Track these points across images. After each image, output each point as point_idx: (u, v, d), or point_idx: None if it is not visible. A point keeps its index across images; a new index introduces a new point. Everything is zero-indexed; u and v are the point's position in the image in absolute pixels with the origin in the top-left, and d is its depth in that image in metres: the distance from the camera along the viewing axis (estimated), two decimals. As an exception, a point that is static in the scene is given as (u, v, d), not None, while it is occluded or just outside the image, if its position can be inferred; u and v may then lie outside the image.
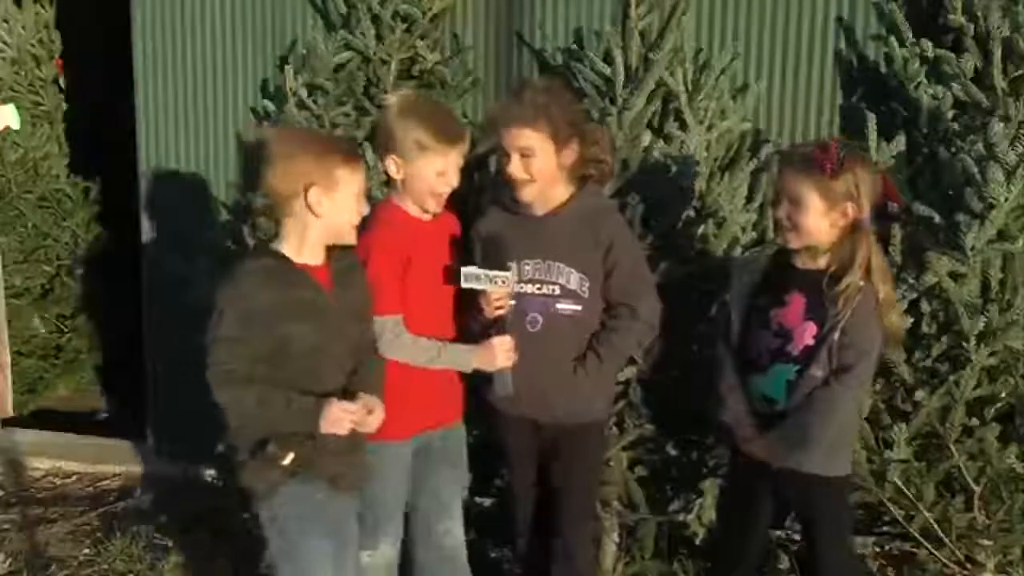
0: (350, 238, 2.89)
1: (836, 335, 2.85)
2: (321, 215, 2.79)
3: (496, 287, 3.00)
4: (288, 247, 2.83)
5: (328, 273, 2.86)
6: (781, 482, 2.99)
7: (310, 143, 2.90)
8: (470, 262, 3.06)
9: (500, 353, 3.06)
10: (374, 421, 2.86)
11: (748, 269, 3.10)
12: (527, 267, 3.10)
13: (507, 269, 3.02)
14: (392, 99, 3.24)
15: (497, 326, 3.06)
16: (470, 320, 3.12)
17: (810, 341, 2.89)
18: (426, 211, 3.13)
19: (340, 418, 2.78)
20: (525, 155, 3.03)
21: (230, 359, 2.74)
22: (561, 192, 3.11)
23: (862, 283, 2.85)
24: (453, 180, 3.10)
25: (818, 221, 2.86)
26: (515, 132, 3.04)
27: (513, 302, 3.06)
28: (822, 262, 2.91)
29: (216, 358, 2.75)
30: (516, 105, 3.09)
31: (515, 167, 3.05)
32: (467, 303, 3.10)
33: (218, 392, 2.76)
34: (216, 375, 2.76)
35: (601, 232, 3.08)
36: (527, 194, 3.09)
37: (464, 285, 3.02)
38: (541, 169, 3.04)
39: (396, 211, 3.11)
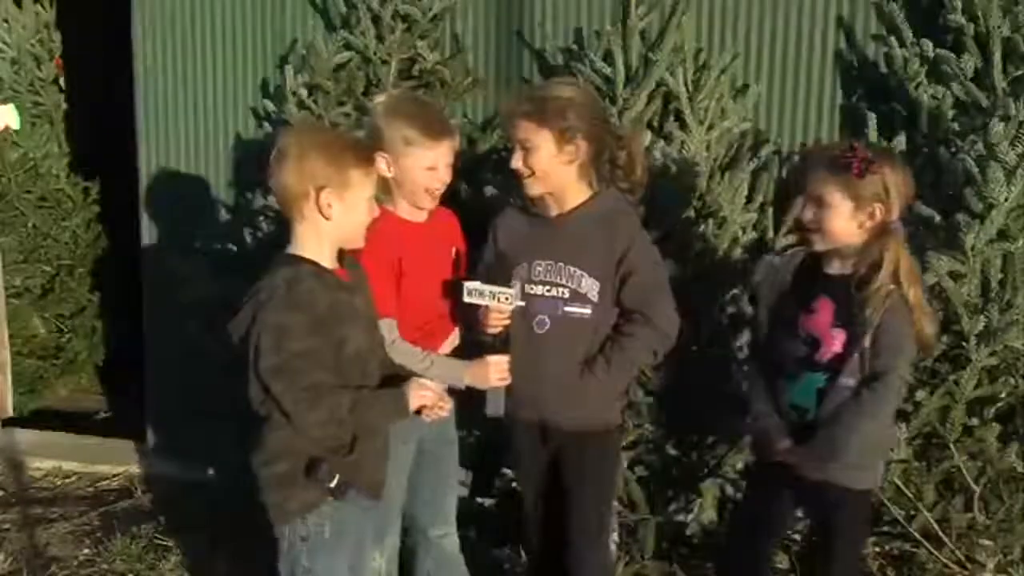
0: (361, 242, 2.82)
1: (867, 342, 2.76)
2: (331, 218, 2.70)
3: (498, 304, 2.99)
4: (309, 252, 2.72)
5: (347, 276, 2.80)
6: (806, 490, 2.93)
7: (325, 143, 2.76)
8: (475, 276, 3.05)
9: (494, 372, 3.04)
10: (447, 408, 2.92)
11: (776, 274, 3.01)
12: (539, 268, 3.08)
13: (512, 285, 3.00)
14: (379, 98, 3.25)
15: (495, 344, 3.05)
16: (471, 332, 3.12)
17: (839, 349, 2.80)
18: (420, 208, 3.12)
19: (421, 393, 2.80)
20: (525, 148, 3.03)
21: (310, 374, 2.59)
22: (575, 194, 3.09)
23: (891, 287, 2.76)
24: (444, 175, 3.10)
25: (845, 223, 2.78)
26: (516, 125, 3.05)
27: (508, 321, 3.04)
28: (850, 266, 2.82)
29: (292, 379, 2.58)
30: (521, 99, 3.12)
31: (516, 160, 3.05)
32: (468, 313, 3.09)
33: (308, 412, 2.61)
34: (300, 397, 2.59)
35: (617, 237, 3.04)
36: (531, 188, 3.07)
37: (466, 300, 3.00)
38: (542, 164, 3.02)
39: (383, 214, 3.09)
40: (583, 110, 3.05)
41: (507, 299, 2.98)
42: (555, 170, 3.04)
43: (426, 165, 3.06)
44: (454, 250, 3.23)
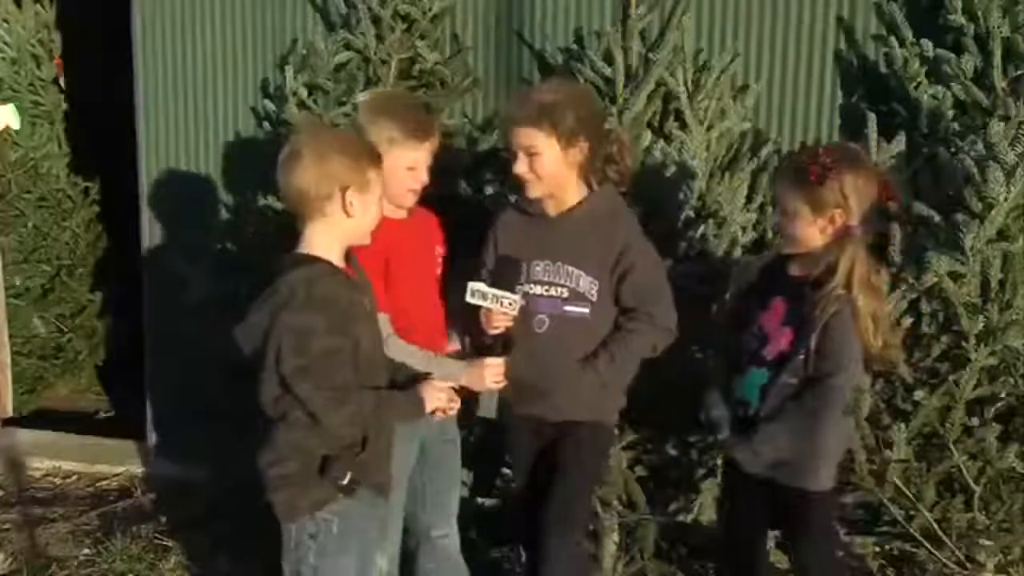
0: (368, 239, 2.83)
1: (812, 343, 2.81)
2: (354, 216, 2.72)
3: (501, 308, 2.99)
4: (320, 251, 2.73)
5: (353, 275, 2.82)
6: (768, 491, 2.96)
7: (344, 144, 2.79)
8: (472, 278, 3.05)
9: (489, 375, 3.05)
10: (456, 406, 2.94)
11: (746, 271, 3.11)
12: (537, 268, 3.10)
13: (516, 291, 3.01)
14: (363, 97, 3.25)
15: (494, 346, 3.05)
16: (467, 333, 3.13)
17: (785, 347, 2.87)
18: (400, 207, 3.13)
19: (436, 394, 2.84)
20: (530, 154, 3.04)
21: (336, 373, 2.63)
22: (574, 193, 3.12)
23: (842, 292, 2.81)
24: (423, 175, 3.11)
25: (806, 229, 2.85)
26: (520, 131, 3.06)
27: (511, 323, 3.04)
28: (810, 269, 2.89)
29: (318, 380, 2.61)
30: (522, 105, 3.11)
31: (521, 166, 3.06)
32: (467, 313, 3.08)
33: (336, 411, 2.64)
34: (327, 396, 2.62)
35: (614, 236, 3.07)
36: (534, 191, 3.10)
37: (469, 300, 3.00)
38: (547, 169, 3.05)
39: None
40: (584, 111, 3.08)
41: (510, 304, 2.99)
42: (560, 173, 3.06)
43: (407, 165, 3.07)
44: (438, 249, 3.24)
